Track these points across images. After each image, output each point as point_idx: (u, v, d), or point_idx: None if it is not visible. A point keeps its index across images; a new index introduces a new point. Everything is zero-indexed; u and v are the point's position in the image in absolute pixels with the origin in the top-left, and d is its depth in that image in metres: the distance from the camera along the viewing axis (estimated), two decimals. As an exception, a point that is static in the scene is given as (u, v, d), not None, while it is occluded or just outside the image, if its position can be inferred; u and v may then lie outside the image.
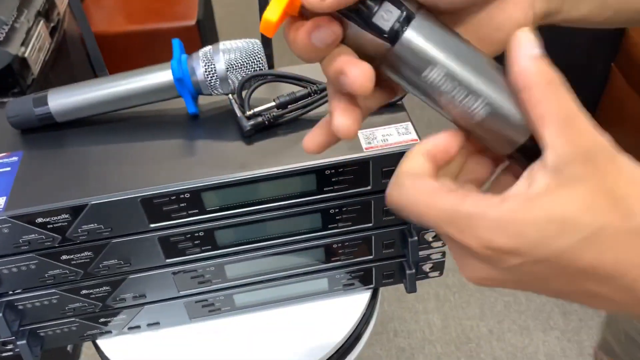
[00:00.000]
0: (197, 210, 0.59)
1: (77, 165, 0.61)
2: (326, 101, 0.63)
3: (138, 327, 0.69)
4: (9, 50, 1.12)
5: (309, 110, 0.63)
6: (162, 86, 0.61)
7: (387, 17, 0.30)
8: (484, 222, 0.28)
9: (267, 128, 0.62)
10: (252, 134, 0.61)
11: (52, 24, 1.32)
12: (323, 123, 0.34)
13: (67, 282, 0.62)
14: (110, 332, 0.69)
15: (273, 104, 0.62)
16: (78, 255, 0.60)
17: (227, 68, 0.60)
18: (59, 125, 0.64)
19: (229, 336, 0.70)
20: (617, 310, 0.31)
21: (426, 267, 0.71)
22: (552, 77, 0.28)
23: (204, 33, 1.68)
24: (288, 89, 0.64)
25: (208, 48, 0.61)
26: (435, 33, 0.31)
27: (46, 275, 0.61)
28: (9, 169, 0.60)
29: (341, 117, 0.32)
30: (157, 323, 0.69)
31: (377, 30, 0.30)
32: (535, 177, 0.28)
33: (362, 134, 0.60)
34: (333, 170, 0.59)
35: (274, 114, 0.62)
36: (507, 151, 0.32)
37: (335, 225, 0.64)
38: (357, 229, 0.65)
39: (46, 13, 1.30)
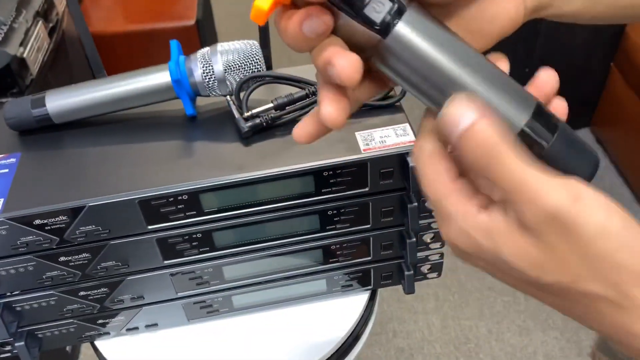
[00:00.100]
0: (195, 212, 0.59)
1: (75, 167, 0.61)
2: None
3: (136, 328, 0.69)
4: (8, 51, 1.12)
5: (307, 112, 0.63)
6: (160, 87, 0.61)
7: (378, 8, 0.30)
8: (452, 225, 0.30)
9: (265, 129, 0.62)
10: (250, 135, 0.61)
11: (50, 24, 1.32)
12: (313, 113, 0.34)
13: (65, 284, 0.62)
14: (108, 333, 0.69)
15: (271, 105, 0.62)
16: (76, 256, 0.60)
17: (225, 69, 0.60)
18: (57, 127, 0.64)
19: (227, 337, 0.70)
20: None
21: (424, 268, 0.71)
22: (490, 145, 0.28)
23: (203, 33, 1.68)
24: (286, 91, 0.64)
25: (206, 49, 0.61)
26: (426, 27, 0.31)
27: (44, 276, 0.61)
28: (6, 170, 0.60)
29: (329, 107, 0.31)
30: (155, 324, 0.69)
31: (368, 22, 0.30)
32: (507, 206, 0.29)
33: (360, 136, 0.60)
34: (331, 172, 0.59)
35: (272, 115, 0.62)
36: None
37: (334, 226, 0.64)
38: (355, 230, 0.65)
39: (45, 13, 1.30)
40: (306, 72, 0.66)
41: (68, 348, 1.31)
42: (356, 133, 0.61)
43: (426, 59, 0.31)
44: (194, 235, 0.61)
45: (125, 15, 1.74)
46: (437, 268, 0.71)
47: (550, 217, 0.27)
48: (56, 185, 0.58)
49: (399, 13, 0.30)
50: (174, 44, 0.62)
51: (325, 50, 0.31)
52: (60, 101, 0.63)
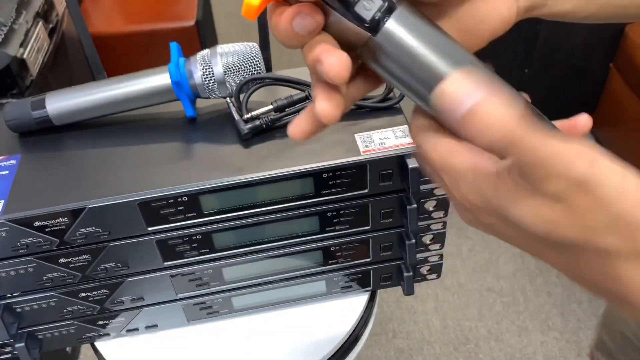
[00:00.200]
0: (194, 214, 0.59)
1: (75, 169, 0.61)
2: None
3: (136, 329, 0.69)
4: (8, 52, 1.12)
5: (307, 114, 0.63)
6: (159, 89, 0.62)
7: (368, 6, 0.30)
8: (464, 181, 0.30)
9: (264, 131, 0.62)
10: (250, 137, 0.62)
11: (50, 25, 1.32)
12: (307, 110, 0.34)
13: (65, 285, 0.62)
14: (108, 334, 0.69)
15: (271, 107, 0.62)
16: (76, 258, 0.60)
17: (225, 71, 0.60)
18: (57, 129, 0.64)
19: (227, 338, 0.70)
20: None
21: (424, 269, 0.71)
22: (499, 136, 0.27)
23: (203, 34, 1.68)
24: (286, 93, 0.64)
25: (206, 51, 0.61)
26: (416, 25, 0.31)
27: (44, 278, 0.61)
28: (7, 172, 0.60)
29: (323, 103, 0.32)
30: (155, 325, 0.70)
31: (358, 19, 0.30)
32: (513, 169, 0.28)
33: (359, 137, 0.60)
34: (331, 174, 0.59)
35: (272, 117, 0.62)
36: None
37: (333, 228, 0.64)
38: (354, 231, 0.65)
39: (45, 14, 1.30)
40: (306, 74, 0.66)
41: (68, 349, 1.31)
42: (356, 135, 0.61)
43: (415, 58, 0.31)
44: (194, 237, 0.61)
45: (125, 15, 1.74)
46: (436, 269, 0.71)
47: (575, 184, 0.27)
48: (56, 187, 0.58)
49: (389, 11, 0.30)
50: (173, 46, 0.62)
51: (315, 48, 0.31)
52: (61, 103, 0.63)
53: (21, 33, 1.18)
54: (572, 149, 0.27)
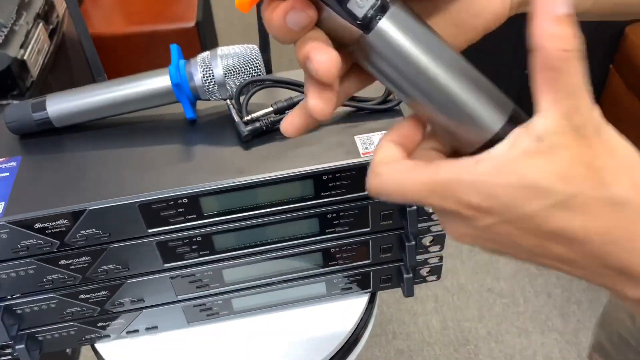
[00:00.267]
0: (194, 216, 0.59)
1: (76, 171, 0.61)
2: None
3: (136, 331, 0.69)
4: (8, 53, 1.12)
5: (307, 116, 0.63)
6: (160, 91, 0.62)
7: (361, 3, 0.30)
8: (460, 186, 0.29)
9: (264, 133, 0.62)
10: (250, 139, 0.62)
11: (51, 26, 1.32)
12: (300, 106, 0.34)
13: (65, 287, 0.63)
14: (108, 336, 0.69)
15: (271, 109, 0.63)
16: (76, 260, 0.60)
17: (225, 73, 0.60)
18: (58, 130, 0.64)
19: (227, 340, 0.70)
20: (585, 277, 0.31)
21: (423, 271, 0.71)
22: (570, 46, 0.28)
23: (203, 35, 1.68)
24: (286, 95, 0.64)
25: (206, 53, 0.61)
26: (409, 25, 0.31)
27: (45, 280, 0.61)
28: (7, 174, 0.60)
29: (315, 99, 0.32)
30: (156, 327, 0.70)
31: (351, 16, 0.30)
32: (516, 141, 0.29)
33: (359, 139, 0.60)
34: (330, 176, 0.59)
35: (272, 119, 0.62)
36: (469, 148, 0.32)
37: (333, 230, 0.64)
38: (354, 233, 0.65)
39: (45, 15, 1.30)
40: (306, 75, 0.66)
41: (68, 350, 1.31)
42: (355, 137, 0.61)
43: (406, 58, 0.31)
44: (194, 239, 0.61)
45: (125, 16, 1.74)
46: (436, 271, 0.71)
47: (596, 121, 0.28)
48: (57, 189, 0.58)
49: (382, 9, 0.30)
50: (174, 48, 0.62)
51: (306, 44, 0.31)
52: (61, 105, 0.63)
53: (22, 34, 1.18)
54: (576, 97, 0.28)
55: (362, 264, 0.68)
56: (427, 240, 0.67)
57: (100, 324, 0.67)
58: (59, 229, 0.57)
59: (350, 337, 0.71)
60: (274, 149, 0.61)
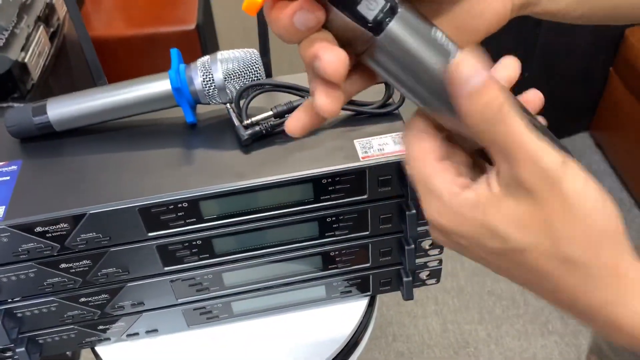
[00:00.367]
0: (194, 219, 0.59)
1: (76, 174, 0.61)
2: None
3: (136, 334, 0.70)
4: (9, 56, 1.13)
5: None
6: (160, 95, 0.62)
7: (372, 6, 0.30)
8: (436, 203, 0.32)
9: (264, 137, 0.62)
10: (250, 143, 0.62)
11: (52, 29, 1.33)
12: (305, 105, 0.34)
13: (65, 290, 0.63)
14: (108, 339, 0.69)
15: (270, 113, 0.63)
16: (77, 263, 0.60)
17: (225, 78, 0.61)
18: (58, 134, 0.65)
19: (227, 343, 0.70)
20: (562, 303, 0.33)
21: (423, 274, 0.71)
22: (497, 106, 0.29)
23: (204, 37, 1.68)
24: (286, 98, 0.64)
25: (206, 58, 0.62)
26: (418, 26, 0.31)
27: (45, 283, 0.61)
28: (8, 178, 0.60)
29: (323, 98, 0.32)
30: (156, 330, 0.70)
31: (360, 19, 0.30)
32: (490, 181, 0.31)
33: (358, 144, 0.61)
34: (330, 179, 0.59)
35: (272, 123, 0.62)
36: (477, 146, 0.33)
37: (332, 233, 0.64)
38: (354, 237, 0.65)
39: (46, 18, 1.31)
40: (306, 79, 0.66)
41: (69, 353, 1.31)
42: (355, 141, 0.61)
43: (415, 58, 0.31)
44: (194, 242, 0.61)
45: (126, 19, 1.74)
46: (435, 274, 0.71)
47: (545, 175, 0.29)
48: (57, 193, 0.58)
49: (391, 12, 0.31)
50: (174, 52, 0.63)
51: (314, 44, 0.31)
52: (62, 109, 0.63)
53: (22, 37, 1.18)
54: (547, 145, 0.29)
55: (362, 267, 0.69)
56: (426, 244, 0.67)
57: (101, 327, 0.68)
58: (59, 233, 0.57)
59: (350, 340, 0.71)
60: (274, 152, 0.61)
